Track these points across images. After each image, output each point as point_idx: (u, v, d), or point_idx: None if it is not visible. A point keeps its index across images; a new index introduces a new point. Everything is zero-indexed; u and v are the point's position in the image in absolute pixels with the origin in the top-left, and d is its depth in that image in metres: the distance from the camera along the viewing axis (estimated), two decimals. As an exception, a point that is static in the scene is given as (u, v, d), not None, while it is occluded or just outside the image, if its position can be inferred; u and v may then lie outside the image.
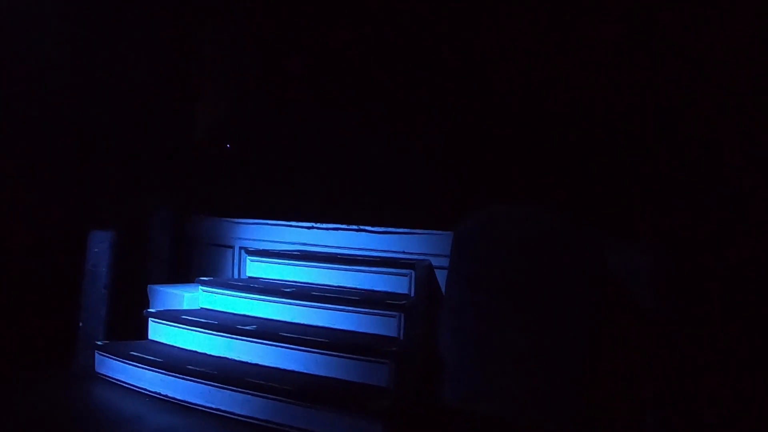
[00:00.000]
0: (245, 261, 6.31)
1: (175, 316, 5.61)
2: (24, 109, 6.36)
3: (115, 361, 5.36)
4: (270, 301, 5.54)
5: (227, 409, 4.65)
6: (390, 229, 5.81)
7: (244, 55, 7.44)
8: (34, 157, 6.44)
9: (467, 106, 5.97)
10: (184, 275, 6.76)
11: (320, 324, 5.24)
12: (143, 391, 5.09)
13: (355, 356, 4.70)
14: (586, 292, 4.39)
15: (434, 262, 5.42)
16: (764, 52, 4.63)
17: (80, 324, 5.79)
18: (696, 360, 4.14)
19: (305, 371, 4.84)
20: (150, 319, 5.76)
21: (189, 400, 4.83)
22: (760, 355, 3.96)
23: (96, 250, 5.82)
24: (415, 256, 5.55)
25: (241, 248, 6.66)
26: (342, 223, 6.11)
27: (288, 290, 5.50)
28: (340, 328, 5.15)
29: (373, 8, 6.51)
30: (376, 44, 6.54)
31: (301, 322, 5.32)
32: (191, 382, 4.85)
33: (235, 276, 6.66)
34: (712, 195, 4.50)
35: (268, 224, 6.58)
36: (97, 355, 5.52)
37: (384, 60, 6.50)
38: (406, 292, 5.25)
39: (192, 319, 5.47)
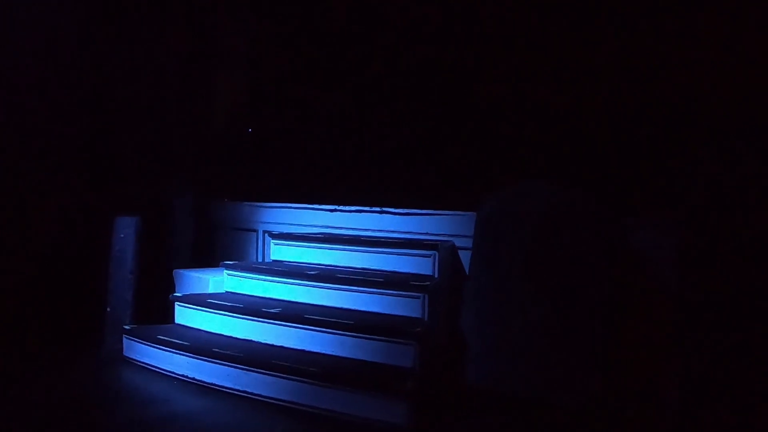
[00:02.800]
0: (269, 244, 6.33)
1: (200, 300, 5.65)
2: (51, 96, 6.42)
3: (142, 345, 5.41)
4: (294, 284, 5.56)
5: (253, 391, 4.69)
6: (413, 211, 5.79)
7: (265, 38, 7.43)
8: (60, 144, 6.50)
9: (489, 86, 5.92)
10: (209, 259, 6.81)
11: (345, 306, 5.26)
12: (170, 374, 5.14)
13: (379, 338, 4.71)
14: (609, 270, 4.36)
15: (457, 242, 5.40)
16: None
17: (108, 309, 5.86)
18: (720, 337, 4.10)
19: (330, 353, 4.86)
20: (176, 303, 5.81)
21: (216, 383, 4.87)
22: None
23: (122, 235, 5.87)
24: (439, 237, 5.53)
25: (264, 232, 6.68)
26: (365, 206, 6.11)
27: (312, 273, 5.51)
28: (365, 309, 5.16)
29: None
30: (396, 25, 6.50)
31: (326, 304, 5.34)
32: (218, 365, 4.88)
33: (259, 259, 6.69)
34: (737, 172, 4.44)
35: (291, 208, 6.59)
36: (124, 339, 5.58)
37: (406, 40, 6.46)
38: (429, 273, 5.24)
39: (217, 303, 5.51)
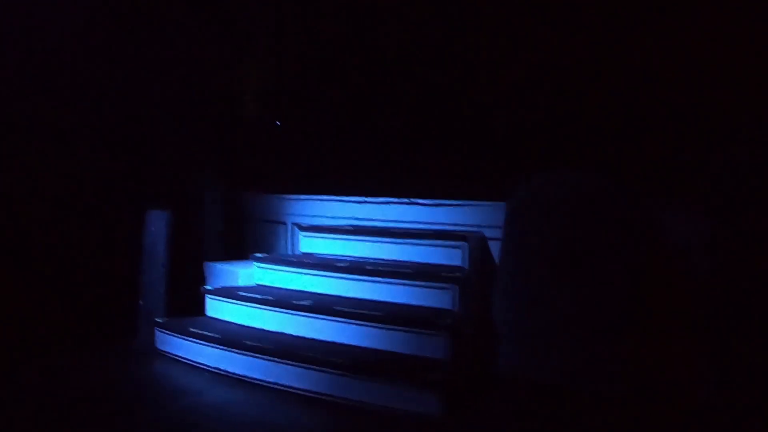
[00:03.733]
0: (298, 237, 6.35)
1: (231, 293, 5.69)
2: (83, 89, 6.48)
3: (174, 338, 5.47)
4: (324, 276, 5.57)
5: (285, 383, 4.71)
6: (442, 201, 5.77)
7: (293, 29, 7.43)
8: (92, 137, 6.57)
9: (518, 75, 5.87)
10: (238, 252, 6.85)
11: (374, 298, 5.25)
12: (202, 366, 5.19)
13: (410, 329, 4.71)
14: (639, 258, 4.30)
15: (487, 233, 5.36)
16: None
17: (140, 302, 5.92)
18: (752, 326, 4.03)
19: (361, 345, 4.87)
20: (207, 295, 5.86)
21: (247, 375, 4.91)
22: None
23: (153, 228, 5.93)
24: (468, 228, 5.50)
25: (293, 224, 6.70)
26: (393, 197, 6.09)
27: (341, 265, 5.52)
28: (395, 301, 5.16)
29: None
30: (424, 15, 6.46)
31: (356, 296, 5.34)
32: (249, 357, 4.92)
33: (288, 252, 6.71)
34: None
35: (319, 200, 6.60)
36: (157, 331, 5.64)
37: (431, 30, 6.42)
38: (459, 264, 5.21)
39: (248, 296, 5.54)
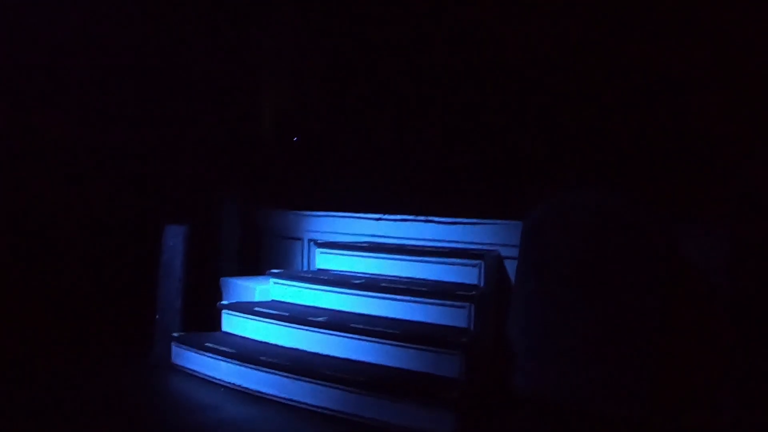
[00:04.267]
0: (314, 253, 6.37)
1: (247, 308, 5.71)
2: (104, 104, 6.56)
3: (190, 353, 5.49)
4: (340, 293, 5.58)
5: (299, 400, 4.72)
6: (458, 220, 5.77)
7: (310, 48, 7.49)
8: (111, 152, 6.64)
9: (532, 94, 5.88)
10: (255, 267, 6.87)
11: (390, 315, 5.26)
12: (218, 381, 5.20)
13: (425, 347, 4.70)
14: (657, 277, 4.28)
15: (503, 252, 5.36)
16: None
17: (157, 316, 5.95)
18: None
19: (376, 362, 4.86)
20: (223, 311, 5.88)
21: (262, 391, 4.92)
22: None
23: (170, 243, 5.96)
24: (484, 246, 5.50)
25: (309, 240, 6.72)
26: (410, 214, 6.10)
27: (357, 282, 5.53)
28: (410, 319, 5.16)
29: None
30: (442, 34, 6.50)
31: (371, 313, 5.35)
32: (264, 373, 4.93)
33: (305, 268, 6.73)
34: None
35: (336, 216, 6.62)
36: (173, 346, 5.66)
37: (449, 49, 6.45)
38: (475, 282, 5.22)
39: (264, 311, 5.55)
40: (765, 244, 4.14)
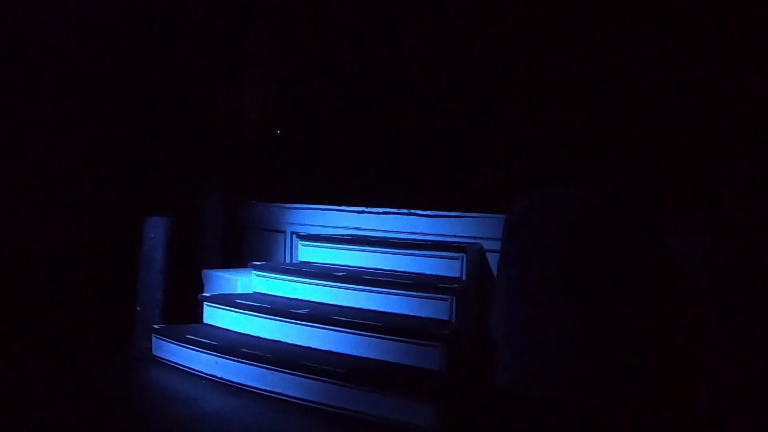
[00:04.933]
0: (297, 246, 6.36)
1: (229, 300, 5.69)
2: (81, 98, 6.50)
3: (171, 345, 5.46)
4: (322, 285, 5.57)
5: (281, 392, 4.71)
6: (441, 213, 5.78)
7: (294, 40, 7.46)
8: (92, 145, 6.58)
9: (515, 87, 5.89)
10: (237, 260, 6.85)
11: (372, 308, 5.26)
12: (199, 373, 5.18)
13: (407, 339, 4.71)
14: (639, 271, 4.31)
15: (486, 245, 5.38)
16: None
17: (137, 308, 5.92)
18: (756, 342, 4.03)
19: (357, 354, 4.87)
20: (205, 303, 5.86)
21: (243, 383, 4.90)
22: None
23: (152, 235, 5.93)
24: (467, 240, 5.51)
25: (292, 233, 6.71)
26: (392, 207, 6.10)
27: (340, 274, 5.52)
28: (392, 311, 5.16)
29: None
30: (427, 28, 6.49)
31: (353, 305, 5.35)
32: (246, 365, 4.91)
33: (287, 261, 6.72)
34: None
35: (319, 209, 6.61)
36: (154, 338, 5.64)
37: (434, 42, 6.45)
38: (457, 275, 5.23)
39: (246, 303, 5.54)
40: (746, 239, 4.17)
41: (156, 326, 5.69)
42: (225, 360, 5.04)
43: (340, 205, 6.46)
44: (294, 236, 6.60)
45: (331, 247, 6.02)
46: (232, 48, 7.35)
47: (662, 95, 5.13)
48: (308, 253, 6.18)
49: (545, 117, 5.68)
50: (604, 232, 4.40)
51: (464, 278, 5.19)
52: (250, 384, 4.86)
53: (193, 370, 5.23)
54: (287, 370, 4.71)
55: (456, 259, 5.25)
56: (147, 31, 6.82)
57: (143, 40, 6.80)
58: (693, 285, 4.35)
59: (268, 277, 5.97)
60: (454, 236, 5.64)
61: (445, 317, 4.93)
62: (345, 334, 4.94)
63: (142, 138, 6.80)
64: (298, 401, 4.62)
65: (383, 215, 6.15)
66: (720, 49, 4.87)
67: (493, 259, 5.23)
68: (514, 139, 5.84)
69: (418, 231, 5.90)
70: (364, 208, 6.28)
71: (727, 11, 4.84)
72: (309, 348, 5.06)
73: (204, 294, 6.03)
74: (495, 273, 5.07)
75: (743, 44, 4.77)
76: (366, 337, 4.85)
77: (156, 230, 5.92)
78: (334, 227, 6.43)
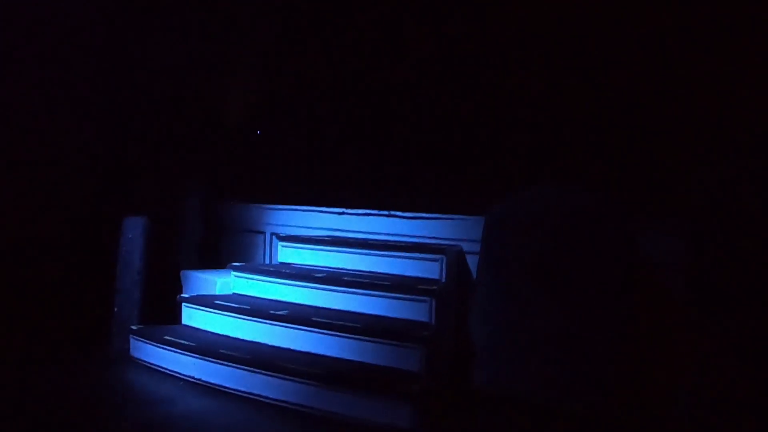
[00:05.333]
0: (276, 246, 6.34)
1: (208, 301, 5.66)
2: (59, 97, 6.44)
3: (149, 346, 5.42)
4: (302, 287, 5.56)
5: (259, 393, 4.69)
6: (421, 215, 5.78)
7: (275, 40, 7.44)
8: (70, 144, 6.53)
9: (495, 89, 5.91)
10: (216, 260, 6.81)
11: (351, 309, 5.25)
12: (177, 374, 5.15)
13: (386, 341, 4.71)
14: (618, 274, 4.34)
15: (465, 247, 5.39)
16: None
17: (115, 309, 5.87)
18: (733, 345, 4.07)
19: (337, 356, 4.86)
20: (183, 304, 5.82)
21: (222, 384, 4.88)
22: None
23: (130, 235, 5.88)
24: (446, 241, 5.52)
25: (272, 234, 6.68)
26: (373, 209, 6.10)
27: (319, 275, 5.52)
28: (372, 313, 5.16)
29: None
30: (405, 30, 6.50)
31: (333, 307, 5.34)
32: (224, 366, 4.89)
33: (267, 261, 6.70)
34: (748, 178, 4.41)
35: (299, 210, 6.59)
36: (131, 339, 5.59)
37: (411, 43, 6.46)
38: (437, 277, 5.24)
39: (225, 304, 5.51)
40: (723, 242, 4.21)
41: (134, 327, 5.65)
42: (203, 361, 5.01)
43: (320, 206, 6.45)
44: (273, 237, 6.58)
45: (311, 248, 6.01)
46: (212, 48, 7.33)
47: (641, 100, 5.17)
48: (288, 254, 6.16)
49: (525, 120, 5.71)
50: (581, 235, 4.42)
51: (444, 280, 5.20)
52: (229, 385, 4.84)
53: (171, 371, 5.20)
54: (266, 372, 4.69)
55: (435, 260, 5.26)
56: (127, 31, 6.79)
57: (123, 41, 6.77)
58: (670, 287, 4.39)
59: (247, 278, 5.94)
60: (434, 238, 5.65)
61: (425, 319, 4.94)
62: (324, 335, 4.93)
63: (121, 138, 6.76)
64: (276, 402, 4.60)
65: (363, 216, 6.15)
66: (700, 55, 4.92)
67: (472, 261, 5.24)
68: (493, 141, 5.86)
69: (397, 232, 5.90)
70: (344, 209, 6.28)
71: (703, 17, 4.89)
72: (288, 349, 5.05)
73: (182, 295, 5.99)
74: (474, 275, 5.08)
75: (720, 52, 4.82)
76: (345, 339, 4.85)
77: (134, 230, 5.87)
78: (313, 228, 6.42)
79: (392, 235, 5.92)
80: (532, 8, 5.72)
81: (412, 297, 5.02)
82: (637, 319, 4.35)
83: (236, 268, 6.06)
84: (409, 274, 5.39)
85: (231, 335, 5.40)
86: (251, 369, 4.76)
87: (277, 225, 6.70)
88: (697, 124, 4.89)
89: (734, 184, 4.31)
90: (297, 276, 5.63)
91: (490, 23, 5.97)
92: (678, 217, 4.51)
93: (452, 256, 5.28)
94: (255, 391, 4.71)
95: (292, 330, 5.08)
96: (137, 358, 5.51)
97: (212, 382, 4.93)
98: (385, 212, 6.00)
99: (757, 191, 4.24)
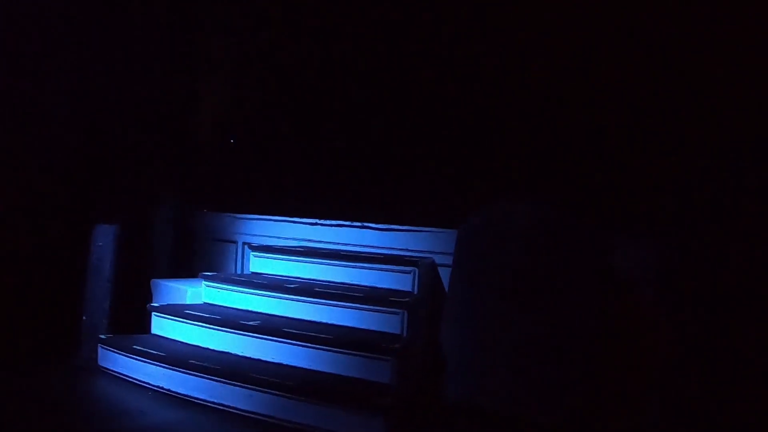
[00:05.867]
0: (248, 256, 6.32)
1: (178, 311, 5.62)
2: (29, 104, 6.36)
3: (118, 355, 5.37)
4: (273, 297, 5.54)
5: (230, 404, 4.66)
6: (394, 227, 5.80)
7: (247, 49, 7.43)
8: (40, 151, 6.44)
9: (469, 103, 5.96)
10: (187, 270, 6.77)
11: (323, 320, 5.25)
12: (146, 385, 5.10)
13: (358, 353, 4.71)
14: (589, 287, 4.39)
15: (438, 259, 5.41)
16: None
17: (84, 317, 5.81)
18: (700, 356, 4.13)
19: (308, 367, 4.84)
20: (153, 313, 5.77)
21: (192, 395, 4.84)
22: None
23: (100, 243, 5.83)
24: (419, 254, 5.54)
25: (244, 244, 6.66)
26: (346, 220, 6.11)
27: (291, 286, 5.50)
28: (344, 324, 5.16)
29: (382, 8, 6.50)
30: (381, 41, 6.53)
31: (305, 318, 5.33)
32: (194, 377, 4.85)
33: (238, 271, 6.66)
34: (716, 189, 4.49)
35: (271, 220, 6.58)
36: (100, 348, 5.53)
37: (389, 56, 6.48)
38: (409, 289, 5.25)
39: (195, 314, 5.48)
40: (695, 255, 4.28)
41: (102, 336, 5.59)
42: (173, 371, 4.97)
43: (293, 216, 6.44)
44: (246, 247, 6.55)
45: (284, 259, 6.00)
46: (187, 55, 7.29)
47: (614, 118, 5.23)
48: (260, 264, 6.14)
49: (498, 135, 5.75)
50: (553, 247, 4.47)
51: (416, 292, 5.21)
52: (199, 396, 4.81)
53: (140, 381, 5.15)
54: (236, 383, 4.66)
55: (408, 272, 5.28)
56: (99, 34, 6.72)
57: (94, 44, 6.69)
58: (642, 300, 4.44)
59: (218, 288, 5.91)
60: (407, 250, 5.67)
61: (397, 331, 4.94)
62: (296, 346, 4.92)
63: (92, 144, 6.68)
64: (246, 414, 4.58)
65: (336, 227, 6.15)
66: (674, 67, 5.00)
67: (444, 274, 5.27)
68: (466, 155, 5.90)
69: (370, 244, 5.91)
70: (317, 220, 6.28)
71: (675, 29, 4.97)
72: (259, 360, 5.03)
73: (153, 304, 5.94)
74: (447, 287, 5.11)
75: (694, 63, 4.90)
76: (317, 350, 4.84)
77: (104, 238, 5.82)
78: (286, 239, 6.41)
79: (365, 246, 5.93)
80: (500, 19, 5.77)
81: (385, 309, 5.03)
82: (608, 331, 4.40)
83: (207, 278, 6.02)
84: (381, 286, 5.40)
85: (202, 345, 5.36)
86: (222, 380, 4.73)
87: (249, 235, 6.67)
88: (667, 142, 4.97)
89: (702, 199, 4.39)
90: (269, 286, 5.61)
91: (458, 35, 6.02)
92: (648, 230, 4.57)
93: (425, 269, 5.31)
94: (226, 403, 4.68)
95: (263, 341, 5.06)
96: (105, 368, 5.45)
97: (182, 392, 4.89)
98: (358, 224, 6.01)
99: (724, 205, 4.32)
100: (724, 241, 4.20)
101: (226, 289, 5.85)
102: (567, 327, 4.31)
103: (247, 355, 5.11)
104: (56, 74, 6.51)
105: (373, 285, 5.45)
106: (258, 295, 5.63)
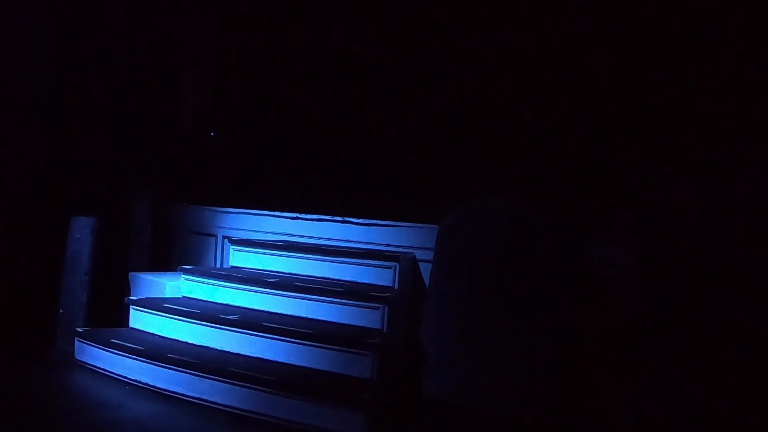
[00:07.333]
0: (228, 250, 6.27)
1: (156, 304, 5.57)
2: (5, 95, 6.28)
3: (95, 349, 5.31)
4: (253, 291, 5.51)
5: (208, 398, 4.63)
6: (375, 222, 5.79)
7: (228, 42, 7.38)
8: (17, 142, 6.36)
9: (453, 101, 5.96)
10: (166, 263, 6.71)
11: (303, 315, 5.22)
12: (123, 378, 5.05)
13: (338, 347, 4.70)
14: (567, 284, 4.41)
15: (418, 255, 5.41)
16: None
17: (60, 310, 5.74)
18: (675, 354, 4.17)
19: (288, 362, 4.82)
20: (131, 306, 5.72)
21: (169, 389, 4.80)
22: (742, 348, 4.00)
23: (77, 235, 5.76)
24: (400, 249, 5.54)
25: (224, 237, 6.61)
26: (326, 215, 6.09)
27: (271, 280, 5.47)
28: (324, 319, 5.14)
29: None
30: (364, 34, 6.51)
31: (284, 312, 5.30)
32: (172, 371, 4.82)
33: (218, 265, 6.62)
34: (693, 189, 4.54)
35: (251, 214, 6.53)
36: (77, 342, 5.47)
37: (371, 50, 6.47)
38: (390, 284, 5.24)
39: (174, 308, 5.43)
40: (672, 255, 4.31)
41: (79, 329, 5.52)
42: (151, 365, 4.92)
43: (273, 210, 6.41)
44: (226, 240, 6.51)
45: (264, 253, 5.96)
46: (166, 48, 7.23)
47: (591, 116, 5.27)
48: (240, 258, 6.10)
49: (480, 133, 5.76)
50: (531, 244, 4.48)
51: (396, 287, 5.21)
52: (177, 390, 4.77)
53: (118, 375, 5.10)
54: (215, 377, 4.63)
55: (389, 268, 5.27)
56: (77, 27, 6.64)
57: (73, 37, 6.62)
58: (620, 299, 4.47)
59: (197, 282, 5.87)
60: (388, 245, 5.66)
61: (377, 326, 4.94)
62: (275, 341, 4.90)
63: (70, 136, 6.61)
64: (225, 408, 4.55)
65: (317, 222, 6.13)
66: (651, 69, 5.04)
67: (425, 269, 5.27)
68: (449, 152, 5.90)
69: (351, 239, 5.90)
70: (297, 215, 6.25)
71: (653, 29, 5.01)
72: (238, 354, 4.99)
73: (131, 297, 5.88)
74: (427, 282, 5.10)
75: (671, 66, 4.94)
76: (297, 345, 4.82)
77: (82, 230, 5.75)
78: (266, 233, 6.37)
79: (346, 241, 5.91)
80: (482, 18, 5.78)
81: (365, 304, 5.01)
82: (585, 330, 4.42)
83: (186, 271, 5.97)
84: (362, 281, 5.38)
85: (180, 339, 5.31)
86: (200, 374, 4.69)
87: (229, 228, 6.63)
88: (647, 138, 5.00)
89: (680, 203, 4.43)
90: (249, 280, 5.57)
91: (440, 30, 6.02)
92: (629, 229, 4.61)
93: (405, 264, 5.30)
94: (204, 397, 4.65)
95: (242, 335, 5.03)
96: (82, 361, 5.39)
97: (160, 386, 4.85)
98: (339, 218, 5.99)
99: (701, 209, 4.36)
100: (701, 240, 4.24)
101: (206, 283, 5.80)
102: (543, 323, 4.33)
103: (226, 350, 5.07)
104: (31, 64, 6.43)
105: (354, 280, 5.43)
106: (238, 289, 5.60)
